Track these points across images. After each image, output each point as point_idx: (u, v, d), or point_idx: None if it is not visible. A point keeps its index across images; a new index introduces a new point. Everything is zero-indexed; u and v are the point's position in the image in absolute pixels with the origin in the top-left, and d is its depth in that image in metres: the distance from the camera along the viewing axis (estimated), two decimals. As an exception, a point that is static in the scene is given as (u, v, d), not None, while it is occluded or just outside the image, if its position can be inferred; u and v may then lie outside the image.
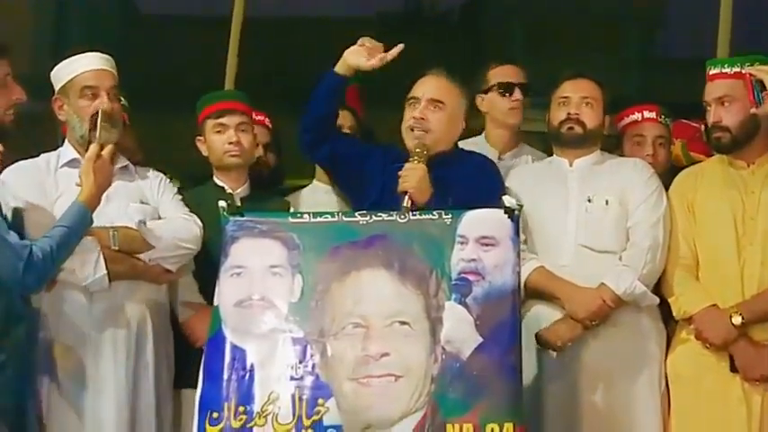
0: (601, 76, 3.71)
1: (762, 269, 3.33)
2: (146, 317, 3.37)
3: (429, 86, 3.47)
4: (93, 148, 3.20)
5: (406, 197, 3.22)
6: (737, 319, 3.30)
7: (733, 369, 3.34)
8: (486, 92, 4.01)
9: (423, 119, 3.41)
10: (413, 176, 3.25)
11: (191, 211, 3.50)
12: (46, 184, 3.36)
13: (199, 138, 3.75)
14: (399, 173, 3.29)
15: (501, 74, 4.04)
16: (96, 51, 3.45)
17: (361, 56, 3.43)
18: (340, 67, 3.48)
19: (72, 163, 3.39)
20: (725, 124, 3.39)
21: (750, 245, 3.36)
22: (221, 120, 3.66)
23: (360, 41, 3.45)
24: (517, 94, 3.98)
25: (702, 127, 3.62)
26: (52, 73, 3.44)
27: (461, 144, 3.67)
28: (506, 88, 4.00)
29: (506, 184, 3.61)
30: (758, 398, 3.31)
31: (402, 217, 3.06)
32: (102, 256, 3.24)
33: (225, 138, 3.65)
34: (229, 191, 3.66)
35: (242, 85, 5.32)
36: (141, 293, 3.37)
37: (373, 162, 3.50)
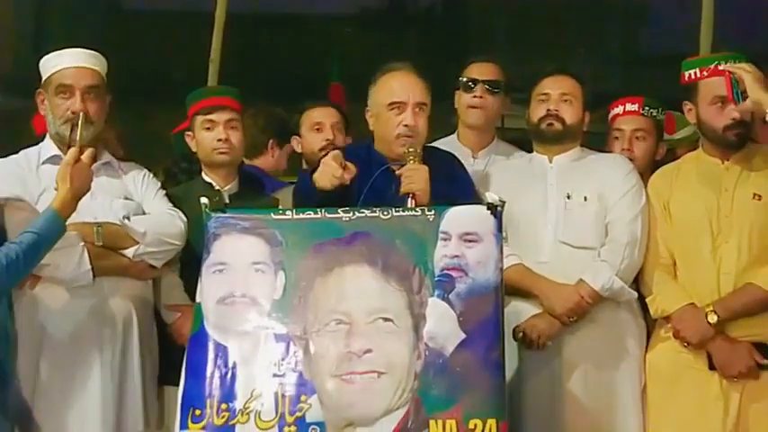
0: (584, 72, 3.71)
1: (737, 267, 3.35)
2: (131, 313, 3.36)
3: (413, 89, 3.38)
4: (72, 151, 3.14)
5: (410, 198, 3.19)
6: (713, 318, 3.32)
7: (711, 367, 3.36)
8: (457, 89, 4.03)
9: (416, 125, 3.35)
10: (418, 178, 3.21)
11: (175, 206, 3.50)
12: (28, 181, 3.34)
13: (188, 133, 3.73)
14: (399, 172, 3.24)
15: (471, 71, 4.04)
16: (81, 47, 3.43)
17: (326, 177, 3.23)
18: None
19: (53, 159, 3.38)
20: (743, 119, 3.38)
21: (725, 242, 3.37)
22: (210, 116, 3.63)
23: (322, 161, 3.29)
24: (479, 90, 3.97)
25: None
26: (40, 63, 3.43)
27: (434, 143, 3.68)
28: (469, 84, 3.99)
29: (487, 181, 3.63)
30: (736, 395, 3.33)
31: (385, 213, 3.05)
32: (86, 252, 3.24)
33: (214, 135, 3.62)
34: (218, 188, 3.65)
35: (225, 80, 5.32)
36: (126, 289, 3.37)
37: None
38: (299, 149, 4.21)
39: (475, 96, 3.98)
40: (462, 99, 4.02)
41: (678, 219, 3.48)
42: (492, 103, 4.01)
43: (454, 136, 4.10)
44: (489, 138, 4.10)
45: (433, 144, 3.66)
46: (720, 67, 3.36)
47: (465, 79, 4.01)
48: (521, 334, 3.43)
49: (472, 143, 4.05)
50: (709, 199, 3.43)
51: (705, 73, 3.42)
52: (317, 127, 4.10)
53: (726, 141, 3.44)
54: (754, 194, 3.39)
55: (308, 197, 3.29)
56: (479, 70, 4.03)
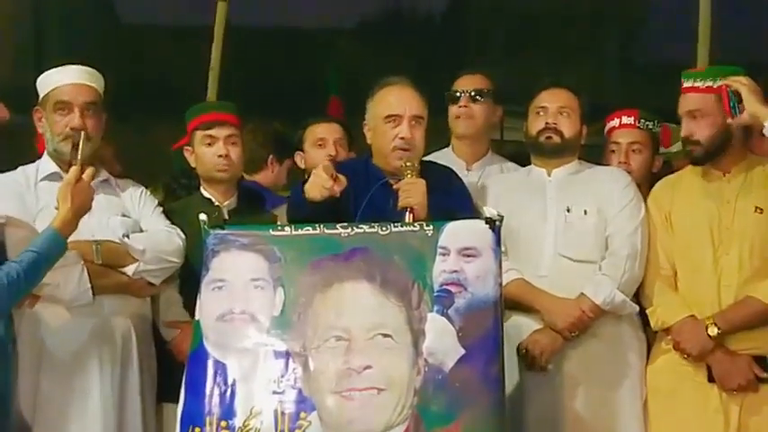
0: (581, 80, 3.71)
1: (738, 279, 3.35)
2: (130, 331, 3.36)
3: (410, 102, 3.39)
4: (74, 170, 3.14)
5: (408, 213, 3.18)
6: (713, 330, 3.32)
7: (711, 379, 3.36)
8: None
9: (412, 138, 3.35)
10: (416, 191, 3.21)
11: (173, 223, 3.49)
12: (26, 198, 3.34)
13: (187, 148, 3.73)
14: (397, 186, 3.24)
15: (458, 83, 4.07)
16: (79, 63, 3.44)
17: (316, 188, 3.22)
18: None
19: (52, 176, 3.38)
20: (696, 138, 3.42)
21: (726, 254, 3.38)
22: (210, 131, 3.63)
23: (313, 172, 3.31)
24: (463, 100, 4.00)
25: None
26: (38, 81, 3.43)
27: (430, 156, 3.68)
28: (454, 95, 4.03)
29: (485, 194, 3.64)
30: (736, 408, 3.33)
31: (383, 229, 3.05)
32: (85, 271, 3.23)
33: (214, 150, 3.62)
34: (217, 203, 3.64)
35: (224, 95, 5.32)
36: (126, 307, 3.37)
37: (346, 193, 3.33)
38: (302, 165, 4.21)
39: (460, 106, 4.01)
40: (450, 111, 4.05)
41: (679, 230, 3.49)
42: (478, 111, 4.03)
43: (449, 148, 4.12)
44: (483, 149, 4.11)
45: (428, 157, 3.66)
46: (712, 84, 3.36)
47: (451, 91, 4.05)
48: (524, 350, 3.43)
49: (466, 154, 4.06)
50: (710, 210, 3.43)
51: (680, 88, 3.47)
52: (320, 143, 4.11)
53: (686, 155, 3.48)
54: (756, 208, 3.38)
55: (300, 208, 3.29)
56: (465, 81, 4.07)
